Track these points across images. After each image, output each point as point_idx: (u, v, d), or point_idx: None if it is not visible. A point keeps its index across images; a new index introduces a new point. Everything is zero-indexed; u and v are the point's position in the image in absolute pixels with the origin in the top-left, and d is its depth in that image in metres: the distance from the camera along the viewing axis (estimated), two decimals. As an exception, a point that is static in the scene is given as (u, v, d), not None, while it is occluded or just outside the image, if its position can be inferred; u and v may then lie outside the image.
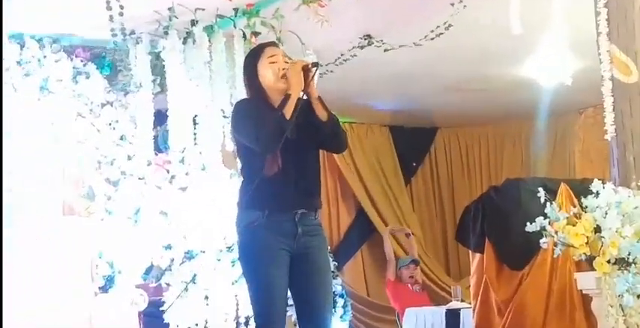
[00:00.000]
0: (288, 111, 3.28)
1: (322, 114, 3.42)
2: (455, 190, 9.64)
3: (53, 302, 5.26)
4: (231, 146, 5.58)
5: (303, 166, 3.37)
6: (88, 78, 5.91)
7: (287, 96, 3.32)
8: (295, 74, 3.36)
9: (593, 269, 3.74)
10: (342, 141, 3.52)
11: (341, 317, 6.07)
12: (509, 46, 6.43)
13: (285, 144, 3.26)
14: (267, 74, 3.44)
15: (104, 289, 5.64)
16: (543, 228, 3.73)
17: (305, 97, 3.44)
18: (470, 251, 5.17)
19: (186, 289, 5.67)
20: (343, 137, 3.51)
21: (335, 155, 7.90)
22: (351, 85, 7.35)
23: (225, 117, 5.60)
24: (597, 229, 3.72)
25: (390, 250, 8.15)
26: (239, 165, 3.95)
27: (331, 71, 6.42)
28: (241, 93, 4.26)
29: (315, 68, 3.40)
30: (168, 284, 5.76)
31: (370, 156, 9.15)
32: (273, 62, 3.44)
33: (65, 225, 5.67)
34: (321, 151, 3.55)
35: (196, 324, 5.65)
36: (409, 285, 7.85)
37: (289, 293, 3.39)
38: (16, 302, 4.96)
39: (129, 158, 5.72)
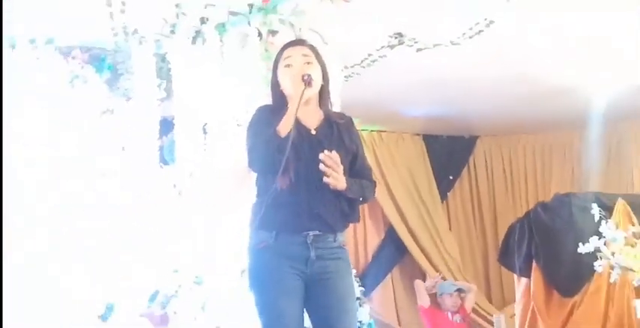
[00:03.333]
0: (283, 128, 3.23)
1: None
2: (497, 206, 9.65)
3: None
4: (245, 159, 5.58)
5: (319, 180, 3.27)
6: (85, 82, 5.94)
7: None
8: (294, 84, 3.35)
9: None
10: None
11: (369, 349, 6.03)
12: (558, 47, 6.41)
13: (299, 154, 3.23)
14: (284, 80, 3.44)
15: (103, 318, 5.64)
16: (598, 250, 3.72)
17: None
18: (515, 276, 5.15)
19: (195, 318, 5.66)
20: (366, 199, 3.46)
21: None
22: (380, 89, 7.36)
23: (239, 125, 5.59)
24: (661, 251, 3.68)
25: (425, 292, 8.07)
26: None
27: (357, 74, 6.42)
28: (258, 99, 4.23)
29: (305, 83, 3.33)
30: (175, 313, 5.75)
31: (401, 169, 9.16)
32: (287, 65, 3.43)
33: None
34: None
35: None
36: (448, 314, 7.78)
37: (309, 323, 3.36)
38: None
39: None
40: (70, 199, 5.86)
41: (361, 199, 3.41)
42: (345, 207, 3.39)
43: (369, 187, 3.47)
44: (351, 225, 9.12)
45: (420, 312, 7.99)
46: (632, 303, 4.08)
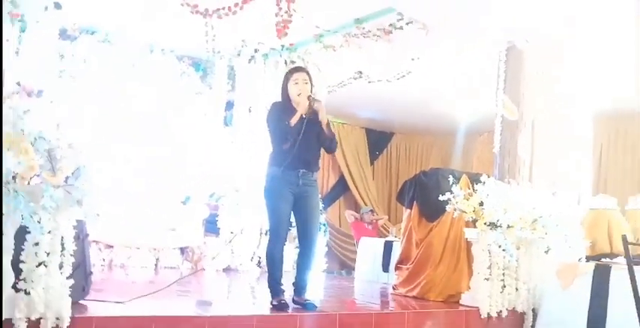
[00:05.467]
0: (293, 121, 3.18)
1: (327, 133, 3.28)
2: (399, 171, 9.61)
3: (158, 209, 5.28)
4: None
5: (306, 145, 3.23)
6: (189, 76, 5.84)
7: (295, 111, 3.21)
8: (302, 99, 3.24)
9: (475, 227, 3.73)
10: (332, 149, 3.33)
11: (323, 236, 6.08)
12: (442, 85, 6.37)
13: (298, 131, 3.16)
14: (291, 91, 3.31)
15: (184, 203, 5.61)
16: (449, 199, 3.70)
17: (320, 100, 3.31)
18: (404, 208, 5.11)
19: (233, 208, 5.63)
20: (333, 145, 3.33)
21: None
22: (345, 100, 7.25)
23: (267, 108, 5.53)
24: (481, 203, 3.68)
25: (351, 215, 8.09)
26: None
27: (335, 90, 6.36)
28: (277, 97, 4.13)
29: (310, 101, 3.23)
30: (222, 204, 5.73)
31: (352, 146, 9.10)
32: (296, 83, 3.30)
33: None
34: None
35: (232, 233, 5.62)
36: (365, 224, 7.83)
37: (293, 219, 3.30)
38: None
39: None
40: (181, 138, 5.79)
41: (330, 149, 3.31)
42: (319, 160, 3.34)
43: (335, 140, 3.34)
44: (321, 171, 8.92)
45: (350, 224, 8.04)
46: (463, 229, 4.07)
